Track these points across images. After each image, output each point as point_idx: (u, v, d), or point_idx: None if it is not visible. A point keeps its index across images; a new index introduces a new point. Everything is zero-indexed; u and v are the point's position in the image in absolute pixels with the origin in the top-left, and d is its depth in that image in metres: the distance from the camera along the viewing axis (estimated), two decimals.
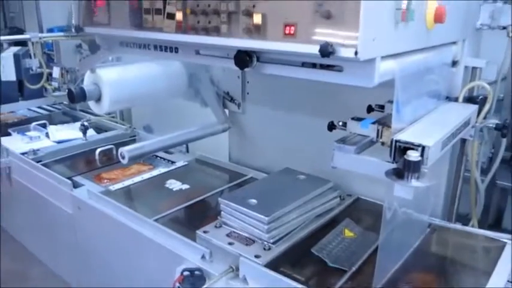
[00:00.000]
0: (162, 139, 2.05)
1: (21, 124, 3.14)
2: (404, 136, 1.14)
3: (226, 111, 2.32)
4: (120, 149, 1.85)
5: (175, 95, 2.24)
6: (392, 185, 1.11)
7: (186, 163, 2.41)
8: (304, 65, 1.14)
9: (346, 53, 0.95)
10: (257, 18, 1.10)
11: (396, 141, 1.12)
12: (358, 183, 1.91)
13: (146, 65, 2.06)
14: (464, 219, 1.79)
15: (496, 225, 2.33)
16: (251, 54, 1.19)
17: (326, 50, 0.95)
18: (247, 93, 2.23)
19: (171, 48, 1.44)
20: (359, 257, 1.49)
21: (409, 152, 1.07)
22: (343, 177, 1.87)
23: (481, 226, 1.80)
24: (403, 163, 1.07)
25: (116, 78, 1.90)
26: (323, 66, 1.11)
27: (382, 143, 1.24)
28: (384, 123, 1.27)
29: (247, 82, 2.21)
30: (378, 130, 1.26)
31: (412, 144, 1.10)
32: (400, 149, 1.11)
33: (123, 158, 1.85)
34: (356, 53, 0.93)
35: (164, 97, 2.20)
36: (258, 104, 2.21)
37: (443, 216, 1.74)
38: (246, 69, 1.22)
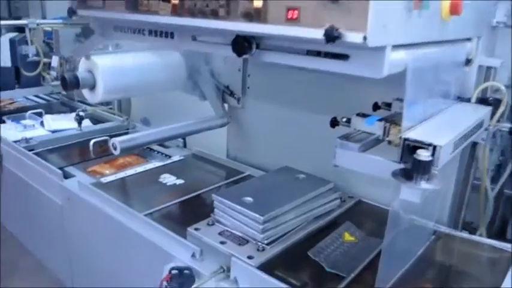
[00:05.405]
0: (156, 131, 1.96)
1: (17, 112, 3.06)
2: (414, 134, 1.05)
3: (226, 105, 2.23)
4: (112, 140, 1.77)
5: (173, 87, 2.15)
6: (399, 187, 1.02)
7: (182, 158, 2.32)
8: (308, 53, 1.05)
9: (354, 38, 0.85)
10: (257, 2, 1.01)
11: (405, 139, 1.03)
12: (360, 185, 1.82)
13: (144, 54, 1.97)
14: (469, 227, 1.70)
15: (501, 235, 2.26)
16: (250, 40, 1.10)
17: (331, 35, 0.86)
18: (248, 88, 2.14)
19: (167, 34, 1.35)
20: (359, 263, 1.40)
21: (420, 151, 0.98)
22: (344, 178, 1.79)
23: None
24: (413, 163, 0.98)
25: (112, 66, 1.81)
26: (328, 55, 1.02)
27: (389, 142, 1.15)
28: (391, 121, 1.18)
29: (248, 76, 2.11)
30: (385, 128, 1.17)
31: (423, 143, 1.01)
32: (409, 148, 1.03)
33: (115, 148, 1.76)
34: (365, 38, 0.84)
35: (162, 88, 2.12)
36: (259, 99, 2.12)
37: (449, 224, 1.65)
38: (244, 56, 1.13)
